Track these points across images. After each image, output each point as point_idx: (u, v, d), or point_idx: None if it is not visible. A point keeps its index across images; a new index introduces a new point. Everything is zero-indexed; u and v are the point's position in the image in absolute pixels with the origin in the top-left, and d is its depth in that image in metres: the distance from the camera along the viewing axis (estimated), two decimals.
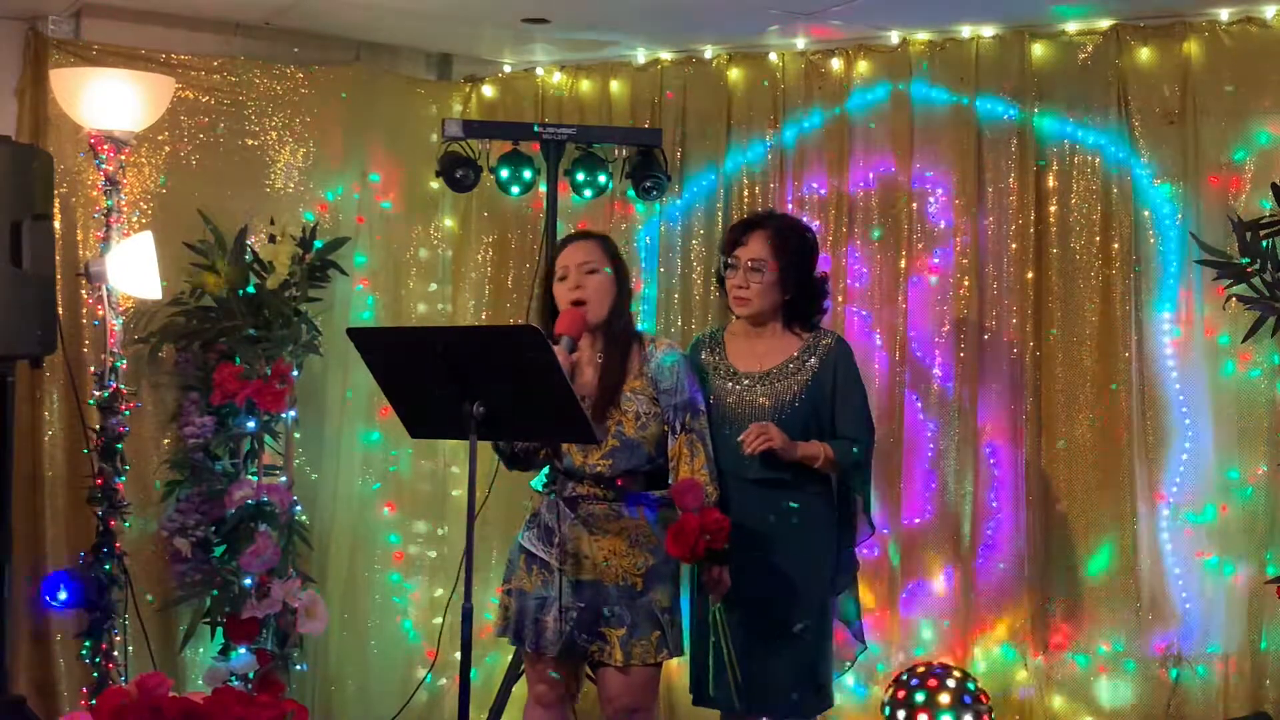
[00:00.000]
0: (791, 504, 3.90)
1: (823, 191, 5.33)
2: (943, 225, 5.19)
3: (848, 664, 4.19)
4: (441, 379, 3.32)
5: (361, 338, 3.49)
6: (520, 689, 4.59)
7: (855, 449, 3.93)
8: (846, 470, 3.95)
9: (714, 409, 3.92)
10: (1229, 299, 4.55)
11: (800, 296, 4.00)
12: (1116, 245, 4.95)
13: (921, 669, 4.83)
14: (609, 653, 3.73)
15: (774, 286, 3.95)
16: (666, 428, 3.79)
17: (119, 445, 4.67)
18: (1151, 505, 4.89)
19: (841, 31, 5.15)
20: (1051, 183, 5.06)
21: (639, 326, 4.61)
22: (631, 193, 5.35)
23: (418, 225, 5.67)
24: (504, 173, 5.27)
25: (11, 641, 4.60)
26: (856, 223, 5.29)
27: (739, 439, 3.79)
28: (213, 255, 4.90)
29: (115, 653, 4.68)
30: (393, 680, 5.46)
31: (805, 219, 5.26)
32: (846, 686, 5.09)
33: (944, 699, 4.68)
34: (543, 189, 5.27)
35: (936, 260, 5.19)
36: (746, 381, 3.97)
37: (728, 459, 3.85)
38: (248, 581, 4.79)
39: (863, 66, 5.26)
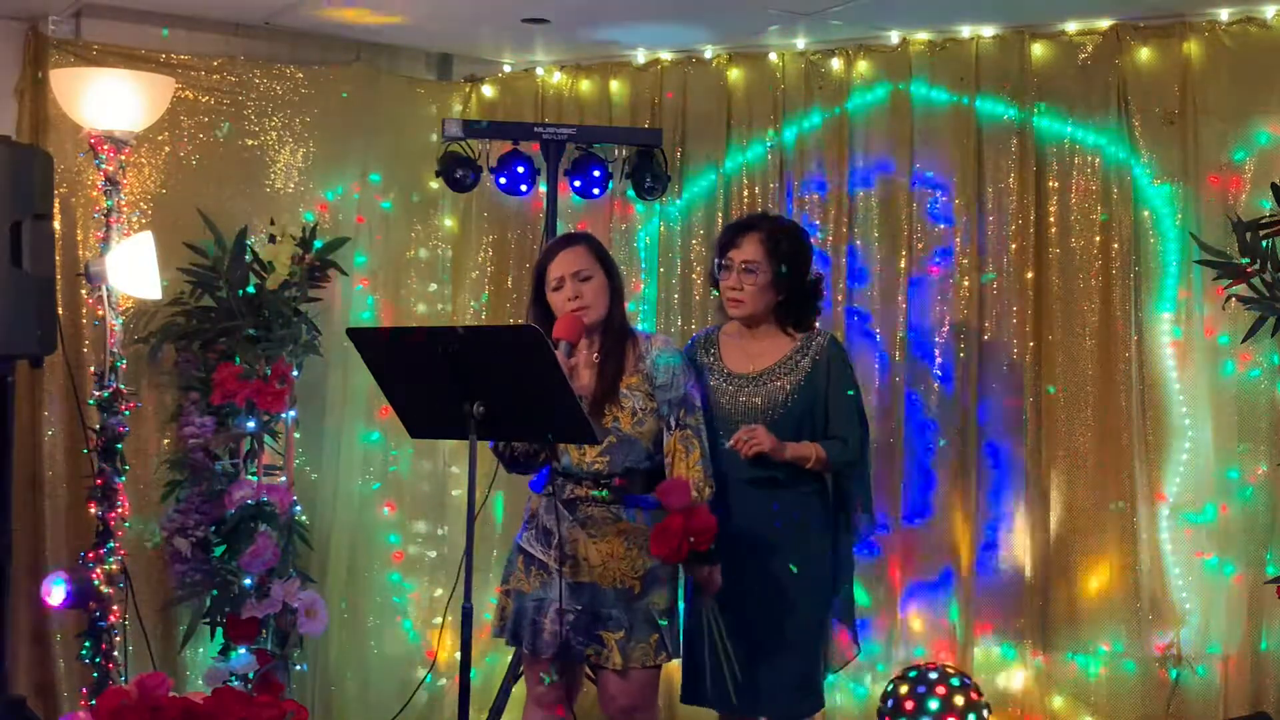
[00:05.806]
0: (786, 504, 3.90)
1: (823, 192, 5.33)
2: (943, 225, 5.19)
3: (844, 663, 4.18)
4: (441, 379, 3.32)
5: (361, 338, 3.48)
6: (520, 689, 4.59)
7: (846, 447, 3.93)
8: (839, 469, 3.95)
9: (708, 409, 3.92)
10: (1229, 299, 4.54)
11: (794, 298, 3.99)
12: (1116, 245, 4.94)
13: (921, 669, 4.82)
14: (607, 656, 3.72)
15: (767, 288, 3.95)
16: (663, 424, 3.79)
17: (119, 445, 4.66)
18: (1151, 505, 4.89)
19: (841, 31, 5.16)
20: (1051, 183, 5.05)
21: (639, 327, 4.62)
22: (631, 193, 5.35)
23: (418, 225, 5.67)
24: (503, 174, 5.27)
25: (11, 641, 4.60)
26: (856, 223, 5.28)
27: (729, 444, 3.80)
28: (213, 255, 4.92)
29: (115, 653, 4.68)
30: (393, 680, 5.46)
31: (805, 219, 5.28)
32: (846, 686, 5.09)
33: (943, 699, 4.68)
34: (543, 189, 5.27)
35: (936, 260, 5.19)
36: (740, 382, 3.97)
37: (720, 460, 3.85)
38: (248, 581, 4.79)
39: (863, 66, 5.25)
